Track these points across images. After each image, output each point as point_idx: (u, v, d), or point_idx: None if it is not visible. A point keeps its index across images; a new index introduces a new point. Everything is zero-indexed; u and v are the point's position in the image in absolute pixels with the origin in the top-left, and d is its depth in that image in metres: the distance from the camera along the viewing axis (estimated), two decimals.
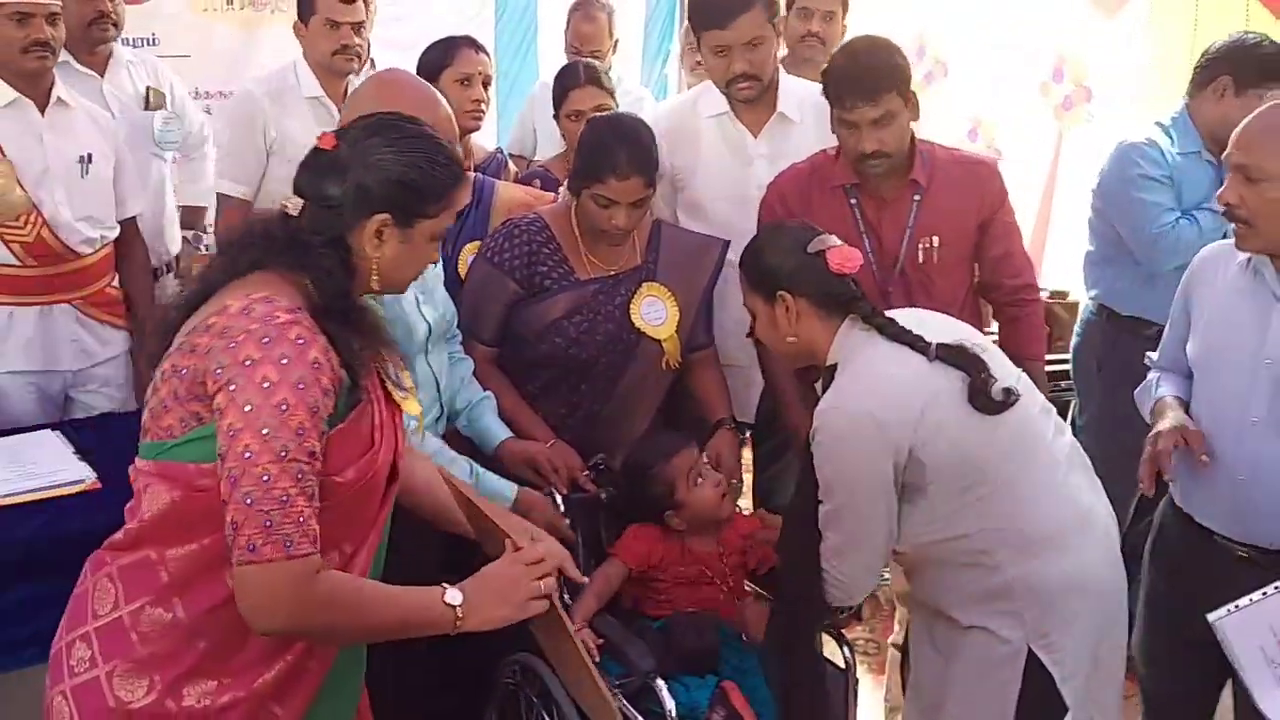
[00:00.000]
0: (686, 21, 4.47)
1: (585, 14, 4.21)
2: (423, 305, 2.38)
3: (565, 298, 2.57)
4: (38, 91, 2.93)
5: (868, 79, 2.44)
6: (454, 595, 1.68)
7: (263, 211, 1.81)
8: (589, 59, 3.81)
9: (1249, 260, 2.20)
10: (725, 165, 2.88)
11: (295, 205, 1.70)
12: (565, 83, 3.38)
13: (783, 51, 3.79)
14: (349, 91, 3.41)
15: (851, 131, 2.49)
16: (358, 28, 3.38)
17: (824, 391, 2.11)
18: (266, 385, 1.50)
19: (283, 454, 1.50)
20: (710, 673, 2.29)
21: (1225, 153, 2.17)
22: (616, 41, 4.30)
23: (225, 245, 1.74)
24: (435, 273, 2.48)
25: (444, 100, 2.24)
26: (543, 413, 2.59)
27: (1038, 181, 4.39)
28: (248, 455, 1.49)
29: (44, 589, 2.29)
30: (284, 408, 1.50)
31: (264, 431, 1.49)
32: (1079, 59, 4.19)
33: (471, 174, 3.03)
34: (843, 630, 2.42)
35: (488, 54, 3.28)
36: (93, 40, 3.42)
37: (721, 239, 2.76)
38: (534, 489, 2.44)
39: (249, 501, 1.49)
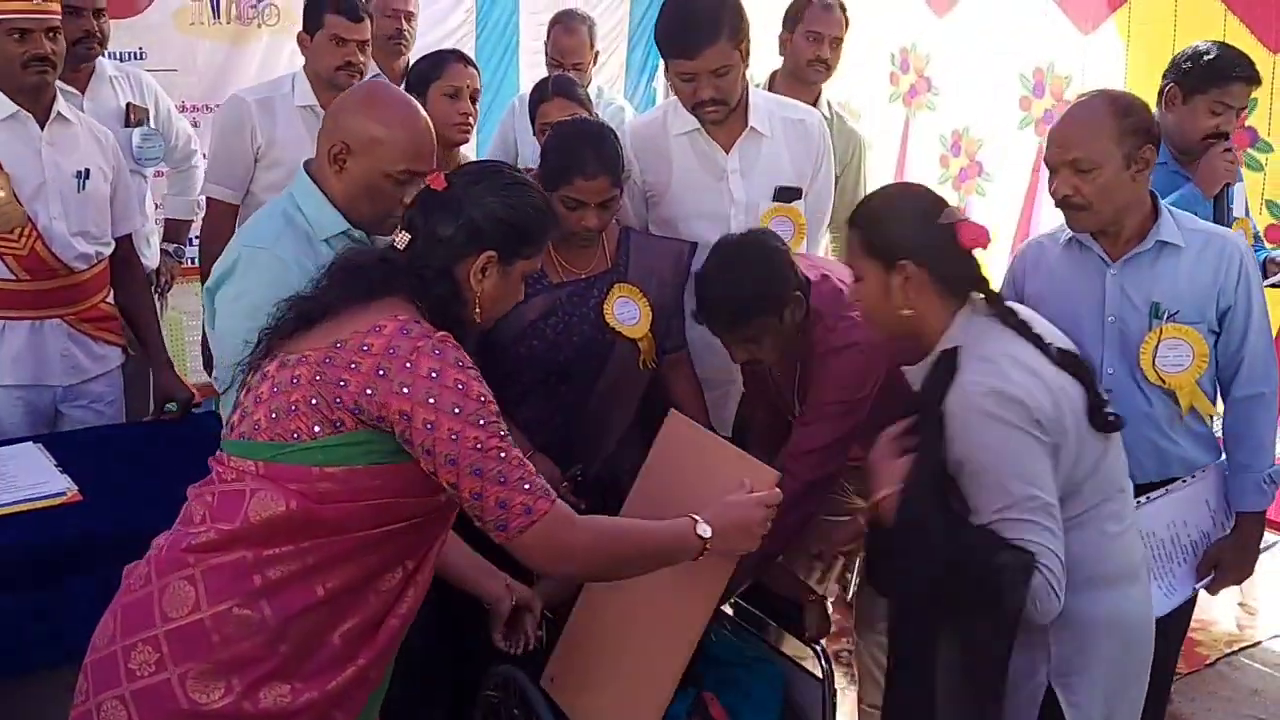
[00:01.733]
0: None
1: (565, 27, 4.21)
2: None
3: (540, 301, 2.59)
4: (38, 106, 2.93)
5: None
6: (704, 529, 1.86)
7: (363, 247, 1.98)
8: (569, 72, 3.83)
9: (1070, 238, 2.46)
10: (698, 181, 2.88)
11: (402, 240, 1.86)
12: (537, 97, 3.41)
13: (777, 63, 3.84)
14: None
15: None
16: (362, 45, 3.43)
17: (936, 375, 1.96)
18: (460, 387, 1.66)
19: (504, 434, 1.69)
20: (690, 684, 2.29)
21: (1045, 152, 2.37)
22: (597, 54, 4.31)
23: (336, 271, 1.85)
24: None
25: (424, 112, 2.25)
26: (523, 418, 2.60)
27: (1018, 195, 4.43)
28: (479, 448, 1.65)
29: (22, 601, 2.29)
30: (483, 399, 1.68)
31: (480, 421, 1.66)
32: (1059, 74, 4.23)
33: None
34: (823, 642, 2.42)
35: (476, 68, 3.30)
36: (77, 58, 3.41)
37: (690, 241, 2.79)
38: None
39: (503, 480, 1.66)
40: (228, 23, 4.69)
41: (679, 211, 2.89)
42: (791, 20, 3.78)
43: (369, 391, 1.66)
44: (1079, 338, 2.38)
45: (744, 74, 2.78)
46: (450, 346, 1.69)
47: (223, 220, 3.44)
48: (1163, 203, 2.44)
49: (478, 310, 1.86)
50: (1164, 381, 2.40)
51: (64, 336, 3.01)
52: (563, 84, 3.42)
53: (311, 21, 3.45)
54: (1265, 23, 3.56)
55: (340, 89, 3.40)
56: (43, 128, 2.94)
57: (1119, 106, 2.31)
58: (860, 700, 2.97)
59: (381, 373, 1.66)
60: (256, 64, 4.70)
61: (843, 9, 3.83)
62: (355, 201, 2.19)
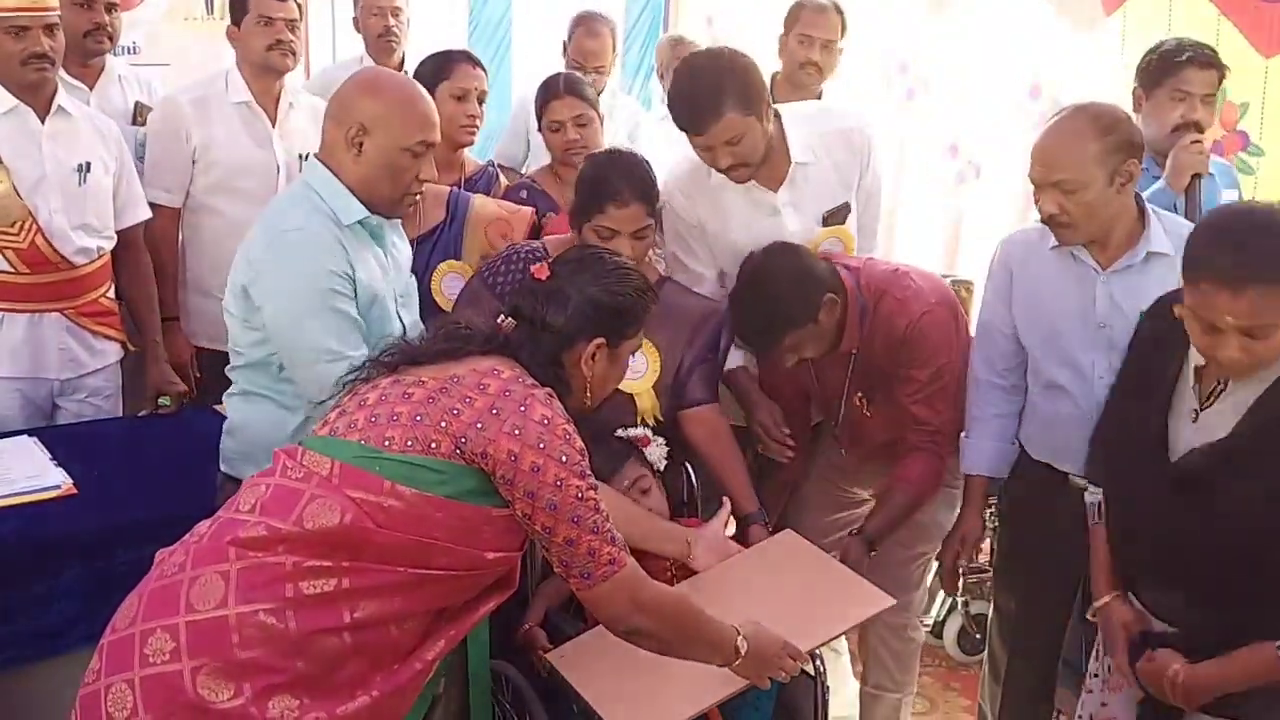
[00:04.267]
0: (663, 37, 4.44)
1: (589, 29, 4.16)
2: (401, 309, 2.38)
3: None
4: (39, 100, 2.91)
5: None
6: (743, 644, 1.95)
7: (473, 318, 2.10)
8: (589, 74, 3.81)
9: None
10: (753, 221, 2.77)
11: (508, 325, 1.93)
12: (546, 93, 3.36)
13: (777, 66, 3.84)
14: (281, 96, 3.39)
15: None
16: (291, 25, 3.33)
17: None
18: (567, 438, 1.75)
19: (597, 487, 1.79)
20: None
21: (1029, 169, 2.34)
22: (616, 55, 4.28)
23: (442, 329, 1.95)
24: (412, 283, 2.49)
25: (426, 93, 2.26)
26: None
27: (1015, 197, 4.44)
28: (579, 497, 1.74)
29: (17, 593, 2.29)
30: (584, 452, 1.77)
31: (583, 472, 1.76)
32: (1055, 78, 4.24)
33: (456, 189, 3.03)
34: None
35: (484, 69, 3.26)
36: (87, 51, 3.39)
37: (722, 305, 2.71)
38: None
39: (596, 530, 1.76)
40: (221, 19, 4.66)
41: (737, 245, 2.78)
42: (788, 24, 3.81)
43: (479, 425, 1.71)
44: (1071, 340, 2.48)
45: (766, 129, 2.63)
46: (557, 400, 1.81)
47: (165, 224, 3.36)
48: (1150, 209, 2.44)
49: (588, 395, 1.95)
50: None
51: (62, 330, 3.01)
52: (573, 82, 3.38)
53: (238, 10, 3.34)
54: (1258, 27, 3.57)
55: (276, 71, 3.35)
56: (43, 121, 2.92)
57: (1101, 125, 2.31)
58: (864, 682, 2.98)
59: (495, 411, 1.73)
60: None
61: (839, 11, 3.84)
62: (375, 184, 2.23)
